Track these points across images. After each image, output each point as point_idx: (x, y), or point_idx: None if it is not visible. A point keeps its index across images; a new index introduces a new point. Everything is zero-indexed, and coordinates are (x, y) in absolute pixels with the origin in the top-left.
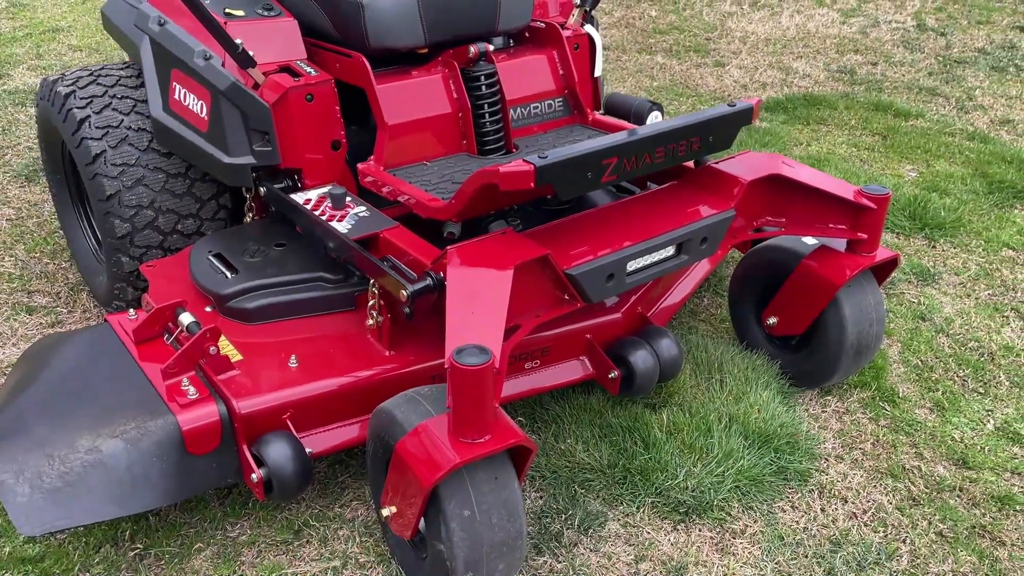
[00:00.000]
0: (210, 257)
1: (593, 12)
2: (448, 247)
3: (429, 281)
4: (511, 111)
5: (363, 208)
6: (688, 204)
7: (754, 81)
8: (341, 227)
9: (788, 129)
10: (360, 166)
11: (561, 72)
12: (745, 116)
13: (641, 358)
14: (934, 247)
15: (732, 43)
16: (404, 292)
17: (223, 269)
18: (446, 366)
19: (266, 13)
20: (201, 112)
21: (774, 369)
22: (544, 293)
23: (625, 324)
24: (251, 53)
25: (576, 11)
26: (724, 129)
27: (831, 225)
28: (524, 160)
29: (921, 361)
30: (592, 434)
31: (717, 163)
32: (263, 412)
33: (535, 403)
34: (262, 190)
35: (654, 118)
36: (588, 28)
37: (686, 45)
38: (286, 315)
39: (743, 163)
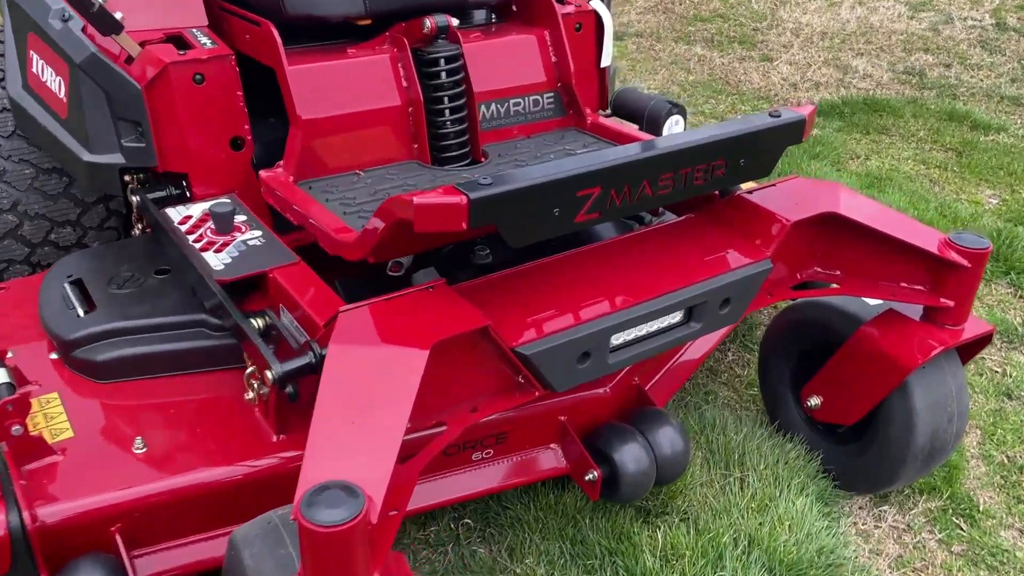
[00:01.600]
0: (66, 285)
1: None
2: (341, 309)
3: (309, 359)
4: (481, 107)
5: (259, 234)
6: (707, 248)
7: (806, 80)
8: (214, 260)
9: (843, 138)
10: (263, 175)
11: (554, 59)
12: (792, 132)
13: (631, 457)
14: (1023, 297)
15: (783, 35)
16: (270, 373)
17: (76, 303)
18: (291, 518)
19: None
20: (59, 92)
21: (813, 464)
22: (483, 378)
23: (614, 402)
24: (118, 14)
25: None
26: (762, 149)
27: (904, 284)
28: (455, 187)
29: (1007, 458)
30: (562, 551)
31: (751, 192)
32: (77, 523)
33: (491, 498)
34: (134, 200)
35: (673, 125)
36: (596, 3)
37: (730, 35)
38: (148, 372)
39: (787, 194)
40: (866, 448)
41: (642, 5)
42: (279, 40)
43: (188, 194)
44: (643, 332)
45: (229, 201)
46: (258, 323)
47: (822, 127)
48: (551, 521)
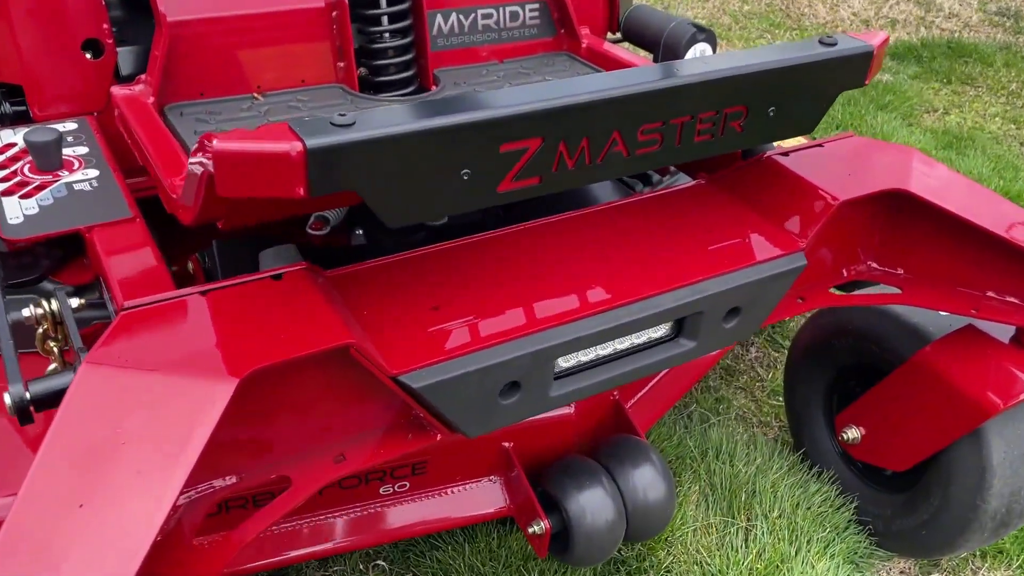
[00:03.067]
0: None
1: None
2: (125, 305)
3: (60, 381)
4: (434, 17)
5: (94, 175)
6: (715, 230)
7: (881, 16)
8: (13, 209)
9: (919, 87)
10: (115, 93)
11: None
12: (852, 70)
13: (591, 507)
14: None
15: None
16: (7, 397)
17: None
18: None
19: None
20: None
21: (844, 513)
22: (354, 415)
23: (581, 425)
24: None
25: None
26: (804, 92)
27: (993, 295)
28: (290, 127)
29: None
30: None
31: (787, 154)
32: None
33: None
34: None
35: (697, 56)
36: None
37: None
38: None
39: (837, 159)
40: (918, 502)
41: None
42: None
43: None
44: (610, 351)
45: (54, 128)
46: (47, 308)
47: (895, 72)
48: (490, 570)
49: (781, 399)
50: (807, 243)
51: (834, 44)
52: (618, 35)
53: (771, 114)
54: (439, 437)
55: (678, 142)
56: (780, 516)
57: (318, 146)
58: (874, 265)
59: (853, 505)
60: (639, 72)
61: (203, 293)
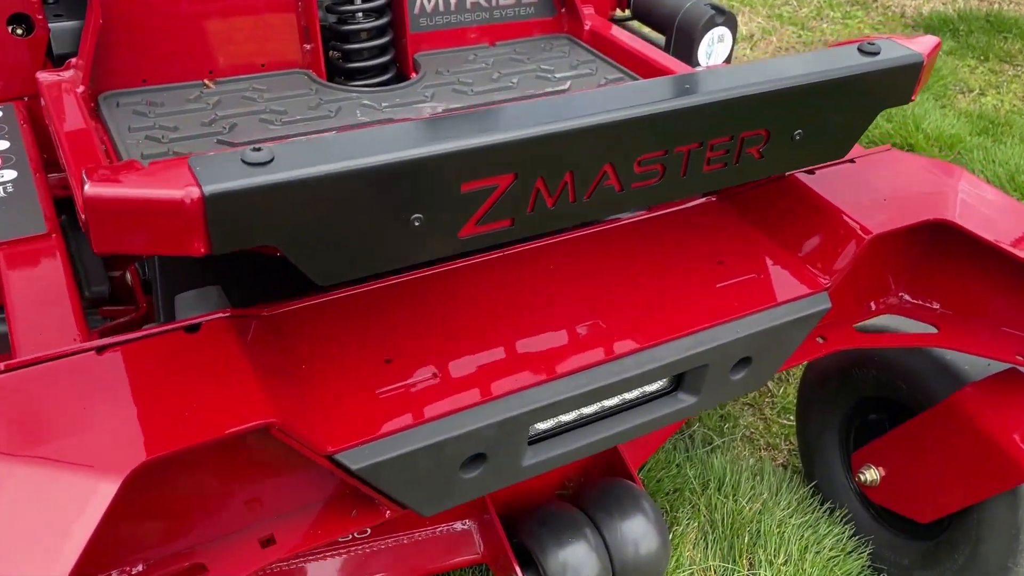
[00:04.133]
0: None
1: None
2: (2, 371)
3: None
4: None
5: (11, 177)
6: (723, 262)
7: None
8: None
9: (954, 64)
10: (40, 79)
11: None
12: (897, 84)
13: (572, 562)
14: None
15: None
16: None
17: None
18: None
19: None
20: None
21: (860, 556)
22: (284, 491)
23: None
24: None
25: None
26: (839, 113)
27: None
28: (189, 163)
29: None
30: None
31: (812, 171)
32: None
33: None
34: None
35: (715, 42)
36: None
37: None
38: None
39: (871, 179)
40: (942, 556)
41: None
42: None
43: None
44: (593, 408)
45: None
46: None
47: None
48: None
49: (792, 418)
50: (832, 282)
51: (876, 53)
52: (627, 12)
53: (797, 138)
54: (388, 514)
55: (683, 173)
56: (786, 563)
57: (221, 192)
58: (907, 297)
59: (868, 551)
60: (636, 90)
61: (99, 351)
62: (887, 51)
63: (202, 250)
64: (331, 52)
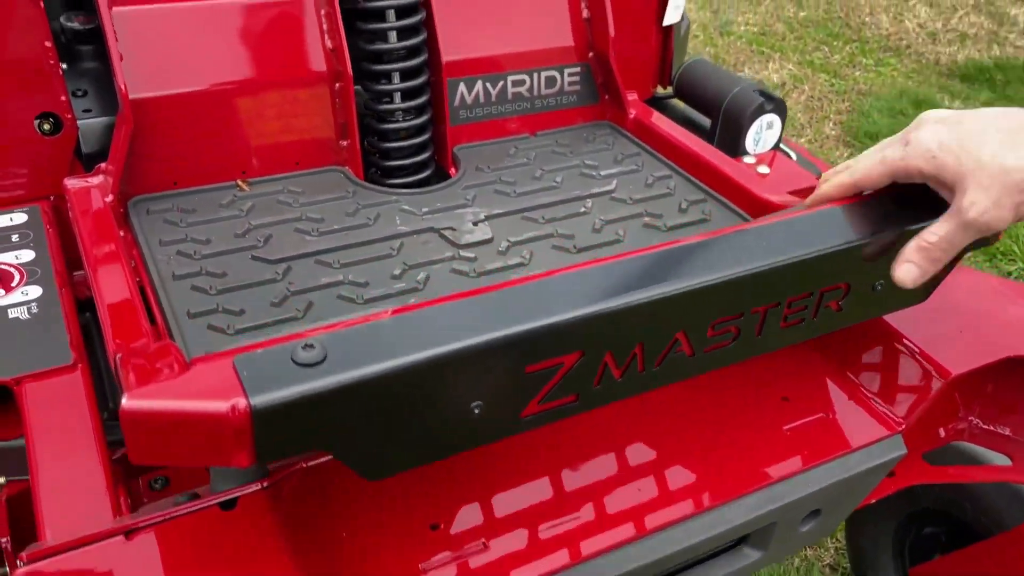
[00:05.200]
0: None
1: None
2: (24, 565)
3: None
4: (456, 87)
5: (36, 295)
6: (792, 394)
7: (949, 29)
8: None
9: None
10: (68, 184)
11: (586, 12)
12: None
13: None
14: None
15: None
16: None
17: None
18: None
19: None
20: None
21: None
22: None
23: None
24: None
25: None
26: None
27: None
28: (235, 368)
29: None
30: None
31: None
32: None
33: None
34: None
35: (764, 129)
36: None
37: None
38: None
39: (948, 306)
40: None
41: None
42: None
43: None
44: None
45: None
46: None
47: (965, 98)
48: None
49: None
50: (908, 424)
51: None
52: (668, 90)
53: (878, 288)
54: None
55: (759, 333)
56: None
57: (270, 403)
58: (978, 423)
59: None
60: (710, 249)
61: (128, 535)
62: None
63: (246, 462)
64: (365, 141)
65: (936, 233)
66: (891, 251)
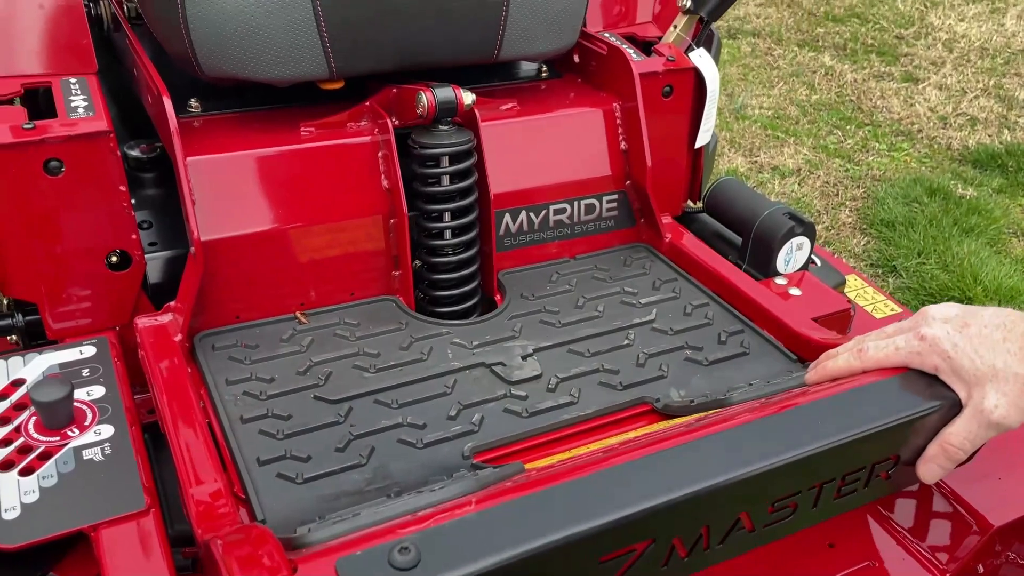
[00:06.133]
0: None
1: (714, 24)
2: None
3: None
4: (501, 218)
5: (108, 434)
6: (838, 542)
7: (959, 112)
8: (11, 495)
9: (1006, 204)
10: (139, 323)
11: (624, 145)
12: None
13: None
14: None
15: (933, 47)
16: None
17: None
18: None
19: None
20: None
21: None
22: None
23: None
24: None
25: (681, 22)
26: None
27: None
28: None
29: None
30: None
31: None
32: None
33: None
34: None
35: (794, 250)
36: (699, 55)
37: (867, 43)
38: None
39: (981, 452)
40: None
41: None
42: (171, 112)
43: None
44: None
45: (65, 383)
46: None
47: (978, 185)
48: None
49: None
50: (952, 573)
51: None
52: (698, 205)
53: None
54: None
55: (815, 505)
56: None
57: None
58: (1015, 557)
59: None
60: (772, 431)
61: None
62: None
63: None
64: (415, 262)
65: (958, 434)
66: (941, 423)
